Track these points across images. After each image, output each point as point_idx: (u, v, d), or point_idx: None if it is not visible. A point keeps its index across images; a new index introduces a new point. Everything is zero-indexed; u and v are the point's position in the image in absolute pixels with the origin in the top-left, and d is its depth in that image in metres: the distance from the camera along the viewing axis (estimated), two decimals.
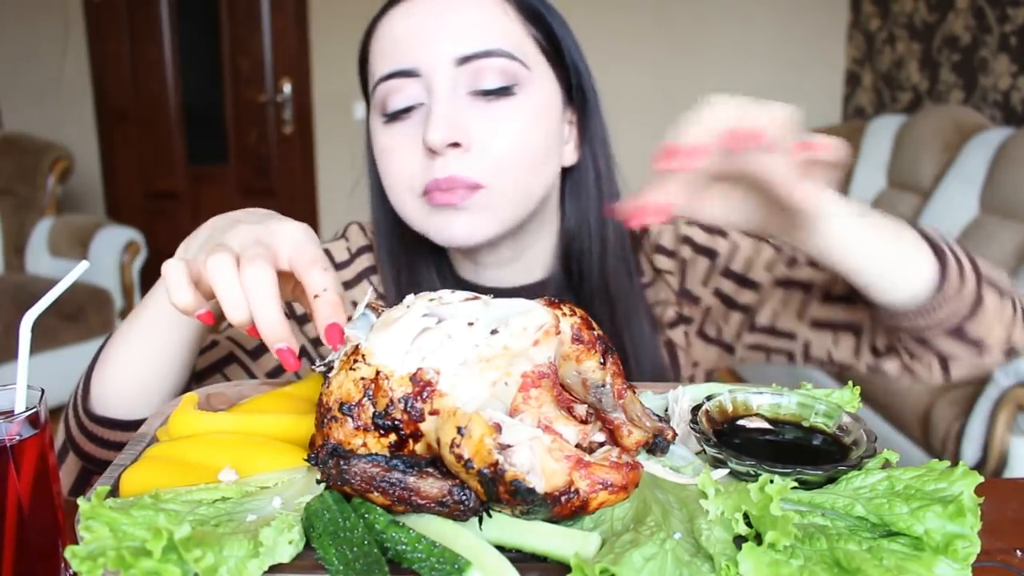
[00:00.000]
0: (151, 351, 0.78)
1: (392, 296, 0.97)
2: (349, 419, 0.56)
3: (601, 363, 0.62)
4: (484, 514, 0.55)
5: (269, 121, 4.78)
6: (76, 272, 0.67)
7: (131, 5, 4.61)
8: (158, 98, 4.75)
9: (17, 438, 0.58)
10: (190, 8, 4.69)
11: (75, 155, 3.83)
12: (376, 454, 0.56)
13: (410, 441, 0.56)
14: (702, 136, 0.59)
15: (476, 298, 0.61)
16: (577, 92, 0.92)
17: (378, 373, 0.56)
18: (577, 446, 0.57)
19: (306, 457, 0.58)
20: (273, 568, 0.51)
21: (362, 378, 0.56)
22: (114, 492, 0.60)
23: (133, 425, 0.78)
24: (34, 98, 4.54)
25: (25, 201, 3.55)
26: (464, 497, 0.54)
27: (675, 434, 0.63)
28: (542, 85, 0.87)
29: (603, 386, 0.62)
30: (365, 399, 0.56)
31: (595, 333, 0.61)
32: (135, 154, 4.80)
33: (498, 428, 0.53)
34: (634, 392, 0.63)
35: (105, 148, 4.77)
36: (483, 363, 0.56)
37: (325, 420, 0.57)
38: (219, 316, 0.74)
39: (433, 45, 0.83)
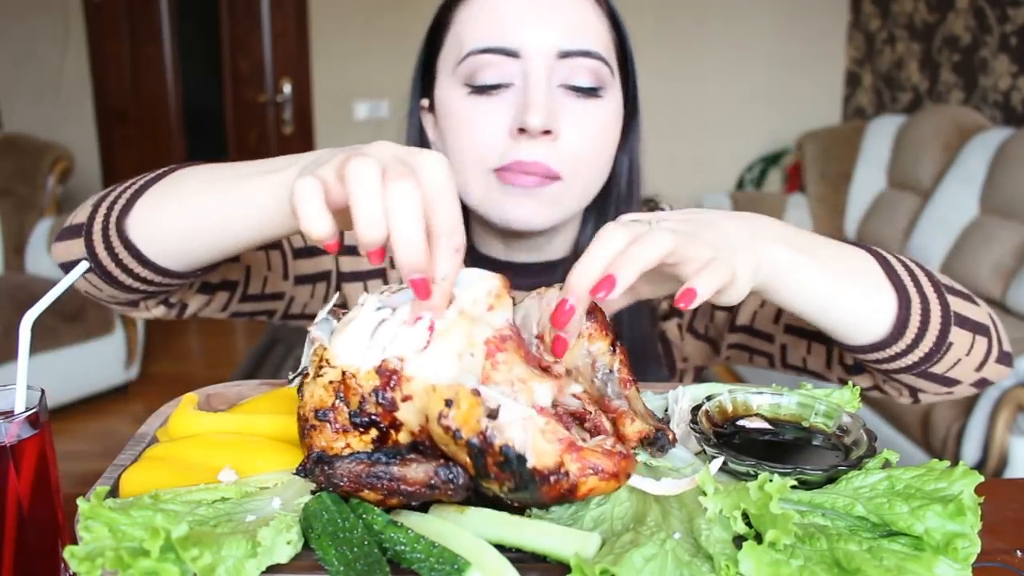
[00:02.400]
0: (218, 229, 0.70)
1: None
2: (327, 424, 0.56)
3: (612, 349, 0.63)
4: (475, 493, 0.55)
5: (269, 121, 4.78)
6: (76, 272, 0.67)
7: (131, 5, 4.61)
8: (158, 98, 4.75)
9: (17, 438, 0.58)
10: (190, 8, 4.69)
11: (75, 155, 3.83)
12: (358, 452, 0.56)
13: (391, 432, 0.56)
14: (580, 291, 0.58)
15: None
16: (631, 102, 0.96)
17: (344, 373, 0.56)
18: (555, 405, 0.57)
19: (295, 471, 0.58)
20: (272, 568, 0.51)
21: (330, 382, 0.56)
22: (114, 492, 0.60)
23: (158, 268, 0.74)
24: (34, 98, 4.54)
25: (25, 201, 3.55)
26: (451, 475, 0.54)
27: (675, 437, 0.63)
28: (617, 93, 0.91)
29: (611, 372, 0.63)
30: (338, 401, 0.56)
31: (608, 318, 0.62)
32: (135, 154, 4.80)
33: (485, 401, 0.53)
34: (638, 389, 0.63)
35: (105, 148, 4.77)
36: (444, 339, 0.56)
37: (305, 430, 0.57)
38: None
39: (540, 33, 0.85)
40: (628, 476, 0.54)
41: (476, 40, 0.86)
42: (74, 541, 0.52)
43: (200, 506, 0.56)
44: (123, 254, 0.74)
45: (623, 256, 0.57)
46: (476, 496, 0.56)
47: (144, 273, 0.75)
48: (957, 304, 0.76)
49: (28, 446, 0.59)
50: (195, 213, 0.71)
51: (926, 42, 4.01)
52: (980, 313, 0.79)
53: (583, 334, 0.63)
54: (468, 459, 0.52)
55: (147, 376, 3.72)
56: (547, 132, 0.84)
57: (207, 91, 4.79)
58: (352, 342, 0.57)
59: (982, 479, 0.53)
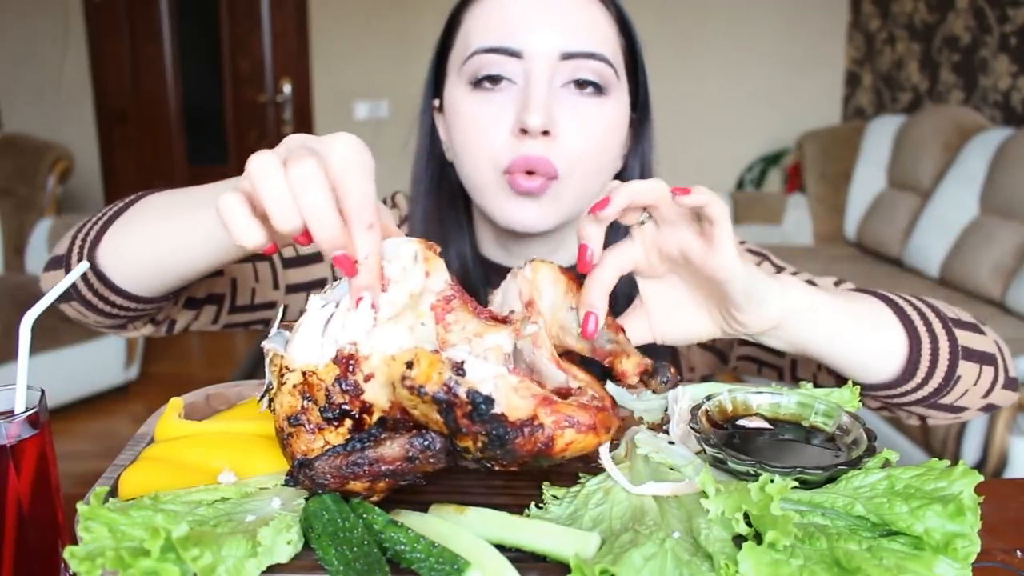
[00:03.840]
0: (175, 258, 0.72)
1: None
2: (301, 428, 0.56)
3: None
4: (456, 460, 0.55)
5: (269, 121, 4.78)
6: (76, 272, 0.67)
7: (131, 5, 4.61)
8: (158, 98, 4.75)
9: (17, 438, 0.58)
10: (190, 8, 4.69)
11: (75, 155, 3.83)
12: (334, 446, 0.56)
13: (365, 417, 0.56)
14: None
15: None
16: (641, 109, 0.96)
17: (304, 374, 0.56)
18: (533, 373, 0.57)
19: (283, 482, 0.58)
20: (272, 568, 0.51)
21: (294, 386, 0.57)
22: (113, 493, 0.60)
23: (129, 296, 0.77)
24: (34, 98, 4.54)
25: (25, 201, 3.55)
26: (426, 442, 0.54)
27: (676, 371, 0.64)
28: (623, 94, 0.91)
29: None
30: (306, 402, 0.56)
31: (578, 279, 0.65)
32: (135, 154, 4.80)
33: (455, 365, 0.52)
34: (627, 336, 0.65)
35: (105, 148, 4.77)
36: (392, 316, 0.56)
37: (284, 441, 0.58)
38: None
39: (543, 34, 0.85)
40: (609, 431, 0.54)
41: (481, 40, 0.87)
42: (74, 541, 0.52)
43: (200, 506, 0.57)
44: (97, 284, 0.77)
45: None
46: (459, 466, 0.56)
47: (119, 300, 0.78)
48: (964, 338, 0.78)
49: (28, 446, 0.59)
50: (152, 244, 0.73)
51: (926, 42, 4.01)
52: (987, 343, 0.81)
53: (569, 290, 0.65)
54: (439, 417, 0.52)
55: (147, 376, 3.72)
56: (546, 133, 0.84)
57: (207, 91, 4.79)
58: (305, 342, 0.57)
59: (982, 479, 0.53)
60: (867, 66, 4.49)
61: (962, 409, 0.81)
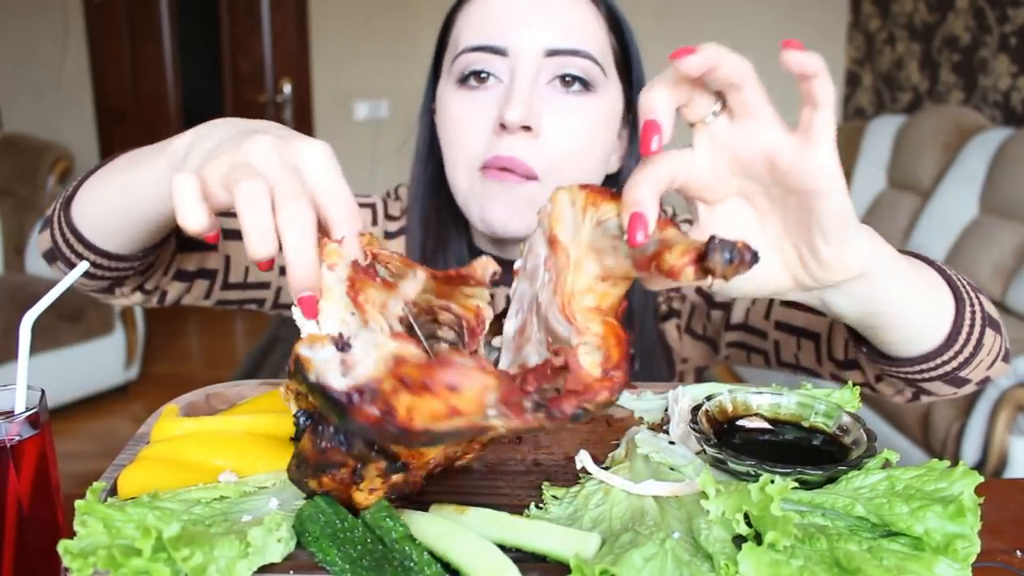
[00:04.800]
0: (132, 208, 0.73)
1: (416, 259, 0.98)
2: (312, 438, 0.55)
3: (616, 194, 0.53)
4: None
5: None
6: (76, 272, 0.67)
7: (131, 5, 4.61)
8: (158, 98, 4.75)
9: (17, 438, 0.58)
10: (190, 8, 4.69)
11: (75, 155, 3.83)
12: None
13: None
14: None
15: None
16: (635, 107, 0.95)
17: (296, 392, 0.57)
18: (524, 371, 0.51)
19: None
20: (265, 568, 0.51)
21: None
22: (112, 492, 0.60)
23: (100, 251, 0.78)
24: (34, 98, 4.54)
25: (25, 201, 3.55)
26: (323, 428, 0.52)
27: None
28: (613, 93, 0.91)
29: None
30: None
31: (607, 188, 0.54)
32: None
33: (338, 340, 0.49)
34: (677, 225, 0.51)
35: (105, 148, 4.77)
36: (326, 315, 0.55)
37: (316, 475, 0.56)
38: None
39: (527, 31, 0.85)
40: (468, 397, 0.45)
41: (468, 39, 0.88)
42: None
43: (197, 505, 0.56)
44: (72, 239, 0.78)
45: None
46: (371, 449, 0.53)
47: (92, 257, 0.78)
48: (986, 303, 0.75)
49: (28, 446, 0.59)
50: (113, 194, 0.73)
51: (926, 42, 4.01)
52: (993, 308, 0.78)
53: (585, 206, 0.54)
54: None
55: (147, 376, 3.72)
56: (527, 128, 0.84)
57: (207, 91, 4.79)
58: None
59: (982, 479, 0.53)
60: (867, 66, 4.49)
61: (967, 382, 0.77)
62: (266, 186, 0.53)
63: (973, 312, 0.71)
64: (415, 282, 0.57)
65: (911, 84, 4.14)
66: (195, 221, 0.54)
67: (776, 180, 0.53)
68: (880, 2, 4.34)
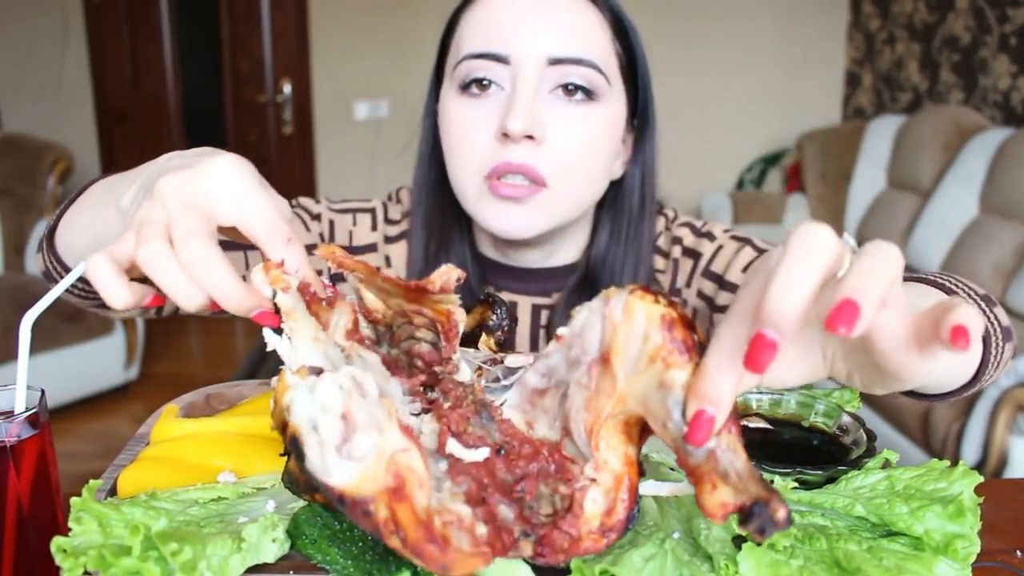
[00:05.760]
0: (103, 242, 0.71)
1: (419, 263, 0.98)
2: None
3: (695, 354, 0.44)
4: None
5: (269, 121, 4.78)
6: (76, 272, 0.67)
7: (131, 5, 4.61)
8: (158, 98, 4.75)
9: (17, 438, 0.58)
10: (190, 8, 4.69)
11: (75, 155, 3.83)
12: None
13: None
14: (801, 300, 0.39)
15: None
16: (640, 114, 0.95)
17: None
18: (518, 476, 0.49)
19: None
20: (258, 568, 0.51)
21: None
22: (112, 492, 0.60)
23: (87, 280, 0.76)
24: (34, 98, 4.54)
25: (25, 201, 3.55)
26: (288, 448, 0.49)
27: (788, 513, 0.41)
28: (616, 101, 0.90)
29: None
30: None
31: (694, 336, 0.45)
32: (135, 154, 4.79)
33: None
34: (740, 435, 0.43)
35: (105, 148, 4.77)
36: (297, 338, 0.54)
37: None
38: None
39: (530, 39, 0.85)
40: (445, 569, 0.43)
41: (471, 45, 0.87)
42: None
43: (194, 505, 0.56)
44: (59, 268, 0.79)
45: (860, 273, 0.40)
46: None
47: (80, 283, 0.78)
48: (1002, 317, 0.73)
49: (28, 446, 0.59)
50: (85, 234, 0.74)
51: (926, 42, 4.01)
52: (1004, 315, 0.76)
53: (655, 358, 0.45)
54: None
55: (147, 376, 3.72)
56: (530, 137, 0.84)
57: (207, 91, 4.79)
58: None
59: (982, 479, 0.53)
60: (867, 66, 4.49)
61: (980, 392, 0.77)
62: (163, 242, 0.53)
63: (997, 343, 0.70)
64: (342, 314, 0.56)
65: (911, 84, 4.15)
66: (120, 300, 0.55)
67: (863, 347, 0.45)
68: (880, 2, 4.34)
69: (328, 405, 0.45)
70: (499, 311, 0.65)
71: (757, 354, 0.39)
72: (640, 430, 0.49)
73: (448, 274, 0.57)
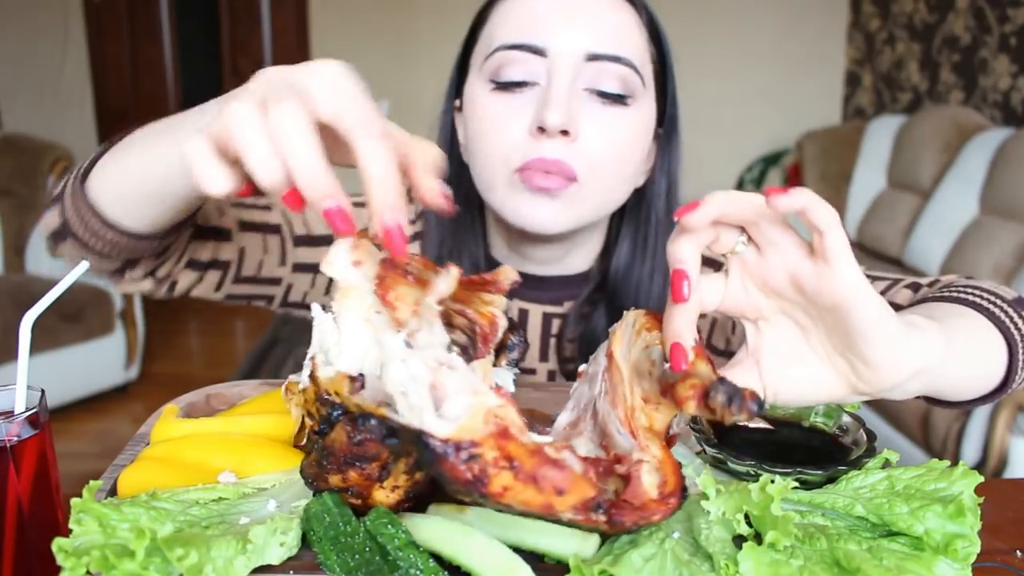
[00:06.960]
0: (158, 180, 0.68)
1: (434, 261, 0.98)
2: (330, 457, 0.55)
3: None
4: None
5: None
6: (76, 272, 0.67)
7: (131, 5, 4.61)
8: (158, 98, 4.76)
9: (17, 438, 0.58)
10: (190, 8, 4.69)
11: (75, 155, 3.83)
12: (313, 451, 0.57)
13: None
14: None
15: None
16: (669, 121, 0.95)
17: (303, 391, 0.57)
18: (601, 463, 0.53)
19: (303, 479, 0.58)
20: (263, 569, 0.51)
21: (296, 406, 0.58)
22: (112, 493, 0.60)
23: (117, 228, 0.74)
24: (34, 98, 4.55)
25: (25, 201, 3.54)
26: (367, 422, 0.50)
27: (753, 394, 0.48)
28: (648, 104, 0.89)
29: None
30: (307, 419, 0.57)
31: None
32: None
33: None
34: (709, 359, 0.54)
35: None
36: (345, 316, 0.54)
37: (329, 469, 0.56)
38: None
39: (569, 32, 0.83)
40: (559, 492, 0.47)
41: (505, 36, 0.85)
42: None
43: (195, 506, 0.56)
44: (87, 215, 0.74)
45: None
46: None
47: (109, 235, 0.74)
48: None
49: (28, 446, 0.59)
50: (137, 166, 0.70)
51: (926, 42, 4.01)
52: None
53: (640, 329, 0.58)
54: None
55: (147, 376, 3.72)
56: (565, 133, 0.82)
57: (207, 91, 4.77)
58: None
59: (982, 479, 0.53)
60: (867, 66, 4.49)
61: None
62: (254, 102, 0.49)
63: (1022, 351, 0.70)
64: (448, 279, 0.53)
65: (911, 84, 4.14)
66: (215, 184, 0.50)
67: (808, 300, 0.55)
68: (880, 2, 4.34)
69: (418, 376, 0.47)
70: (518, 333, 0.66)
71: (676, 284, 0.53)
72: (660, 432, 0.55)
73: (509, 275, 0.62)
